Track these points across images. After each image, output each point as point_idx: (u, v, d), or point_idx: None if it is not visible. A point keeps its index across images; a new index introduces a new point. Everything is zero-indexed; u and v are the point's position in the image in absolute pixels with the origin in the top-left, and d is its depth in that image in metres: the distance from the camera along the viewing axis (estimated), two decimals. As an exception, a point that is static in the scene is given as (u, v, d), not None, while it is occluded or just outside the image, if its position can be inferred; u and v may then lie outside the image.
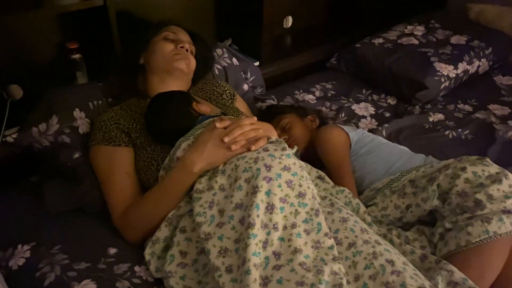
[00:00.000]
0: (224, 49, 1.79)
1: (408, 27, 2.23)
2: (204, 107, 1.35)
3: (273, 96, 1.90)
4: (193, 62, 1.52)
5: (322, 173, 1.34)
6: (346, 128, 1.52)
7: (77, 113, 1.43)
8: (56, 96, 1.43)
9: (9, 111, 1.47)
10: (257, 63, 1.97)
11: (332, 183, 1.31)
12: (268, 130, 1.29)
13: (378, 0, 2.46)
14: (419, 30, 2.21)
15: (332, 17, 2.41)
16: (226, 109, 1.51)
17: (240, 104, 1.62)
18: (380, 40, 2.14)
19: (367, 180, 1.41)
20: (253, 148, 1.14)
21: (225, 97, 1.58)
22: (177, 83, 1.49)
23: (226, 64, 1.75)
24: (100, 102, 1.49)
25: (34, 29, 1.54)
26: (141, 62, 1.51)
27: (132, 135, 1.34)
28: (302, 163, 1.25)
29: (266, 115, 1.66)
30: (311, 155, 1.51)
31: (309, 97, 1.95)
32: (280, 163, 1.11)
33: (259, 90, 1.93)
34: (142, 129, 1.35)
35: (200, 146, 1.16)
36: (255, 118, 1.27)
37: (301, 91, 2.00)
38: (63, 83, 1.62)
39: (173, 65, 1.44)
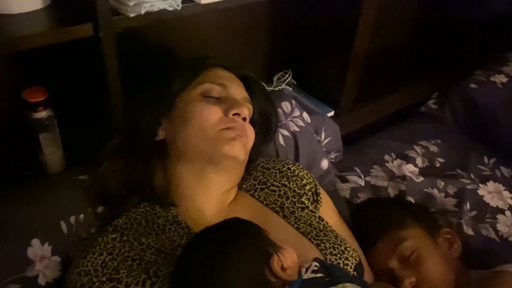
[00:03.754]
0: (294, 102, 1.08)
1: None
2: (289, 259, 0.66)
3: (358, 170, 1.22)
4: (251, 139, 0.84)
5: None
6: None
7: (35, 249, 0.73)
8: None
9: None
10: (331, 114, 1.27)
11: None
12: None
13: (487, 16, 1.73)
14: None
15: (421, 36, 1.69)
16: (310, 231, 0.83)
17: (327, 209, 0.94)
18: (504, 78, 1.45)
19: None
20: None
21: (305, 201, 0.89)
22: (222, 179, 0.83)
23: (297, 129, 1.05)
24: (82, 216, 0.79)
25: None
26: (161, 137, 0.82)
27: (145, 308, 0.66)
28: None
29: (368, 224, 0.97)
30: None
31: (410, 169, 1.26)
32: None
33: (334, 156, 1.23)
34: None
35: None
36: None
37: (394, 156, 1.31)
38: (17, 160, 0.91)
39: (223, 150, 0.77)
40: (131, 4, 0.73)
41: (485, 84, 1.45)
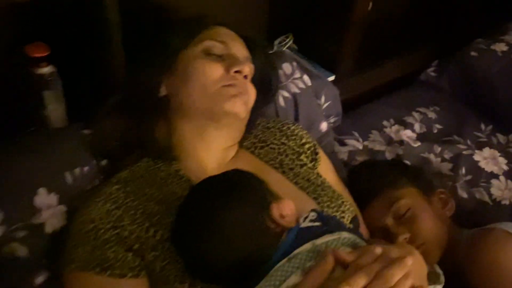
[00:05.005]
0: (295, 64, 1.09)
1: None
2: (287, 208, 0.69)
3: (357, 135, 1.24)
4: (252, 97, 0.85)
5: None
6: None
7: (41, 197, 0.75)
8: (2, 165, 0.75)
9: None
10: (332, 78, 1.28)
11: None
12: (419, 268, 0.65)
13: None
14: None
15: (421, 6, 1.67)
16: (308, 186, 0.85)
17: (325, 167, 0.96)
18: (504, 47, 1.45)
19: None
20: None
21: (303, 158, 0.91)
22: (223, 134, 0.85)
23: (297, 90, 1.06)
24: (86, 168, 0.81)
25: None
26: (162, 93, 0.83)
27: (146, 255, 0.69)
28: None
29: (365, 185, 1.00)
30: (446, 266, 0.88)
31: (408, 135, 1.28)
32: None
33: (333, 121, 1.25)
34: (165, 240, 0.69)
35: None
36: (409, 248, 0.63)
37: (392, 122, 1.32)
38: (21, 116, 0.93)
39: (224, 106, 0.78)
40: (134, -44, 0.73)
41: (485, 53, 1.45)
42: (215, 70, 0.80)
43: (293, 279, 0.60)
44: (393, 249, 0.61)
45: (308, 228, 0.68)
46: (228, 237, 0.63)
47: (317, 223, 0.69)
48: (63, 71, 0.91)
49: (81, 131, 0.84)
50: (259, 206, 0.66)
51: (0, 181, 0.75)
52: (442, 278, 0.78)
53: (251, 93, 0.85)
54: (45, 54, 0.88)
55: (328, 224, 0.70)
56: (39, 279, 0.74)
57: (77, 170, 0.80)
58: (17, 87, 0.91)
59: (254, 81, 0.88)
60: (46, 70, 0.89)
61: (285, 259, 0.63)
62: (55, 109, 0.94)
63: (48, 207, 0.76)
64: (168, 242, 0.69)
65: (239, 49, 0.86)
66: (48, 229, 0.76)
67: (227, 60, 0.82)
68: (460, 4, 1.66)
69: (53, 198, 0.76)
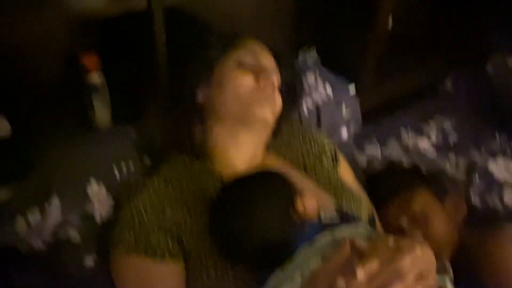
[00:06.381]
0: (318, 76, 1.18)
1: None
2: (310, 203, 0.77)
3: (375, 142, 1.31)
4: (279, 105, 0.93)
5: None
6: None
7: (93, 188, 0.86)
8: (59, 158, 0.86)
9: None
10: (352, 88, 1.36)
11: None
12: (428, 259, 0.72)
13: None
14: None
15: (441, 17, 1.75)
16: (329, 186, 0.93)
17: (344, 170, 1.04)
18: (520, 61, 1.51)
19: None
20: None
21: (324, 161, 1.00)
22: (253, 137, 0.93)
23: (319, 100, 1.15)
24: (131, 163, 0.92)
25: (30, 37, 0.95)
26: (200, 100, 0.93)
27: (184, 240, 0.78)
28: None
29: (382, 189, 1.07)
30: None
31: (424, 144, 1.35)
32: None
33: (353, 129, 1.33)
34: (201, 229, 0.79)
35: None
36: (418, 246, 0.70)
37: (410, 131, 1.39)
38: (72, 116, 1.05)
39: (254, 111, 0.87)
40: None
41: (501, 65, 1.50)
42: (247, 80, 0.89)
43: (314, 263, 0.69)
44: (405, 240, 0.69)
45: (328, 221, 0.76)
46: (258, 223, 0.72)
47: (336, 218, 0.78)
48: (110, 77, 1.02)
49: (127, 131, 0.94)
50: (285, 199, 0.75)
51: (57, 172, 0.85)
52: (450, 271, 0.84)
53: (278, 101, 0.93)
54: (97, 64, 1.00)
55: (346, 219, 0.79)
56: (89, 261, 0.84)
57: (123, 165, 0.90)
58: (71, 92, 1.03)
59: (280, 90, 0.97)
60: (96, 78, 1.01)
61: (307, 246, 0.71)
62: (102, 112, 1.06)
63: (98, 196, 0.86)
64: (204, 231, 0.78)
65: (268, 61, 0.95)
66: (97, 217, 0.86)
67: (258, 71, 0.91)
68: (477, 18, 1.73)
69: (102, 189, 0.87)
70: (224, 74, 0.90)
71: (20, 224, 0.80)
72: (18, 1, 0.81)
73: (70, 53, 1.02)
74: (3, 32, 0.79)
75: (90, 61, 0.99)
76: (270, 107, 0.89)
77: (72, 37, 1.01)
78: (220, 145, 0.92)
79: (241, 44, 0.95)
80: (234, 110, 0.88)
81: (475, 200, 1.22)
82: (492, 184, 1.26)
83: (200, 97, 0.93)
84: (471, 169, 1.29)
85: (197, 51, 0.96)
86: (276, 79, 0.91)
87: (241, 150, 0.92)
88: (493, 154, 1.35)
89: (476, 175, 1.27)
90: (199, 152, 0.92)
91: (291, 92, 1.02)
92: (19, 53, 0.98)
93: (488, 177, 1.28)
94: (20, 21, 0.78)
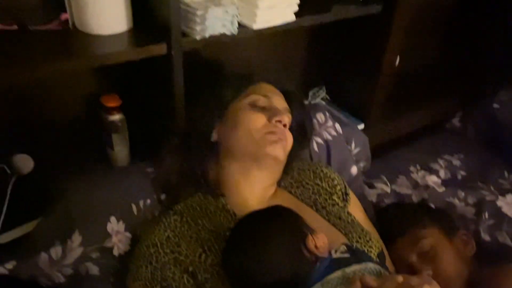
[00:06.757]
0: (327, 114, 1.22)
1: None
2: (321, 240, 0.80)
3: (385, 178, 1.34)
4: (290, 143, 0.97)
5: None
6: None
7: (112, 225, 0.90)
8: (81, 195, 0.90)
9: (13, 192, 0.97)
10: (361, 126, 1.40)
11: None
12: None
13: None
14: None
15: (448, 57, 1.81)
16: (339, 222, 0.96)
17: (354, 207, 1.07)
18: (526, 99, 1.55)
19: None
20: None
21: (335, 199, 1.02)
22: (264, 175, 0.96)
23: (330, 137, 1.19)
24: (148, 201, 0.95)
25: (55, 79, 1.01)
26: (214, 138, 0.97)
27: (199, 276, 0.81)
28: None
29: (392, 224, 1.10)
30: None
31: (433, 180, 1.38)
32: None
33: (362, 165, 1.36)
34: (215, 265, 0.81)
35: None
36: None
37: (419, 167, 1.42)
38: (92, 154, 1.10)
39: (266, 150, 0.90)
40: (198, 29, 0.90)
41: (507, 103, 1.54)
42: (259, 120, 0.93)
43: (326, 300, 0.71)
44: (414, 278, 0.71)
45: (339, 258, 0.79)
46: (270, 260, 0.75)
47: (347, 255, 0.80)
48: (130, 117, 1.08)
49: (144, 169, 0.99)
50: (296, 236, 0.78)
51: (79, 209, 0.89)
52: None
53: (289, 140, 0.97)
54: (117, 104, 1.05)
55: (357, 256, 0.81)
56: (107, 294, 0.87)
57: (141, 202, 0.94)
58: (92, 130, 1.09)
59: (291, 128, 1.01)
60: (117, 117, 1.07)
61: (319, 284, 0.73)
62: (120, 149, 1.11)
63: (117, 233, 0.90)
64: (218, 266, 0.81)
65: (280, 102, 0.99)
66: (115, 252, 0.90)
67: (270, 111, 0.95)
68: (484, 56, 1.78)
69: (121, 226, 0.90)
70: (237, 114, 0.95)
71: (42, 259, 0.83)
72: (48, 46, 0.87)
73: (92, 93, 1.09)
74: (30, 74, 0.84)
75: (111, 101, 1.05)
76: (281, 146, 0.93)
77: (95, 78, 1.07)
78: (234, 182, 0.95)
79: (254, 86, 1.01)
80: (247, 149, 0.92)
81: (485, 236, 1.23)
82: (501, 220, 1.27)
83: (215, 136, 0.97)
84: (480, 205, 1.30)
85: (213, 92, 1.01)
86: (287, 118, 0.95)
87: (254, 187, 0.95)
88: (502, 191, 1.37)
89: (486, 212, 1.28)
90: (214, 189, 0.95)
91: (302, 130, 1.07)
92: (44, 93, 1.05)
93: (497, 213, 1.29)
94: (48, 64, 0.84)
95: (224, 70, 1.09)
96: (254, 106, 0.95)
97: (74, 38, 0.91)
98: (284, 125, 0.94)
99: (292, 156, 1.03)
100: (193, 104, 1.00)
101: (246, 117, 0.94)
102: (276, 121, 0.93)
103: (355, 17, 1.23)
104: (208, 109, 0.99)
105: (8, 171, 1.00)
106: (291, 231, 0.78)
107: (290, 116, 0.99)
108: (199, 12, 0.90)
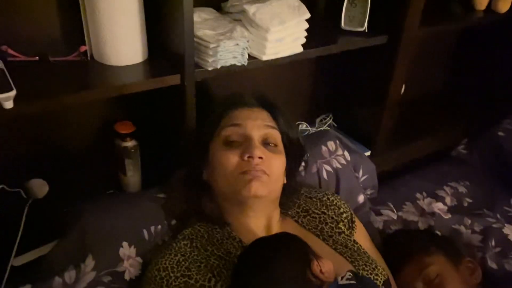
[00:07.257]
0: (338, 142, 1.25)
1: None
2: (327, 266, 0.82)
3: (391, 205, 1.36)
4: (276, 170, 0.92)
5: None
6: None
7: (124, 250, 0.92)
8: (94, 220, 0.93)
9: (29, 215, 1.00)
10: (368, 153, 1.43)
11: None
12: None
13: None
14: None
15: (453, 85, 1.84)
16: (345, 250, 0.97)
17: (361, 235, 1.08)
18: (531, 128, 1.57)
19: None
20: None
21: (341, 227, 1.04)
22: (259, 210, 0.95)
23: (339, 166, 1.21)
24: (159, 227, 0.98)
25: (71, 108, 1.06)
26: (205, 178, 0.98)
27: (208, 301, 0.83)
28: None
29: (398, 251, 1.11)
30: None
31: (439, 207, 1.39)
32: None
33: (369, 193, 1.38)
34: (224, 289, 0.83)
35: None
36: None
37: (425, 194, 1.44)
38: (106, 177, 1.13)
39: (242, 193, 0.88)
40: (210, 60, 0.95)
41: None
42: (232, 160, 0.89)
43: (332, 327, 0.72)
44: None
45: (345, 285, 0.80)
46: (278, 284, 0.76)
47: (353, 281, 0.82)
48: (143, 143, 1.12)
49: (155, 195, 1.02)
50: (302, 262, 0.79)
51: (93, 233, 0.92)
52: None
53: (274, 167, 0.91)
54: (131, 130, 1.09)
55: (363, 283, 0.82)
56: (118, 319, 0.88)
57: (152, 228, 0.96)
58: (105, 155, 1.12)
59: (283, 143, 0.98)
60: (130, 143, 1.10)
61: (325, 310, 0.75)
62: (133, 175, 1.14)
63: (128, 258, 0.92)
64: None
65: (255, 125, 0.93)
66: (127, 276, 0.91)
67: (242, 146, 0.90)
68: (488, 86, 1.81)
69: (132, 251, 0.92)
70: (214, 155, 0.94)
71: (56, 282, 0.85)
72: (67, 77, 0.92)
73: (106, 119, 1.13)
74: (48, 104, 0.88)
75: (124, 127, 1.09)
76: (258, 183, 0.88)
77: (109, 105, 1.12)
78: (233, 216, 0.95)
79: (229, 116, 0.96)
80: (227, 190, 0.92)
81: (491, 264, 1.24)
82: (508, 248, 1.28)
83: (205, 175, 0.97)
84: (486, 232, 1.31)
85: (199, 131, 1.00)
86: (259, 151, 0.89)
87: (254, 219, 0.95)
88: (509, 218, 1.38)
89: (492, 239, 1.29)
90: (217, 221, 0.96)
91: (295, 143, 1.02)
92: (60, 120, 1.09)
93: (504, 241, 1.30)
94: (68, 95, 0.88)
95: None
96: (227, 144, 0.93)
97: (92, 69, 0.96)
98: (260, 157, 0.89)
99: (292, 173, 1.02)
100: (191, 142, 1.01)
101: (219, 158, 0.92)
102: (249, 157, 0.88)
103: (361, 47, 1.27)
104: (195, 148, 0.98)
105: (24, 195, 1.04)
106: (297, 256, 0.80)
107: (275, 133, 0.96)
108: (212, 45, 0.94)
